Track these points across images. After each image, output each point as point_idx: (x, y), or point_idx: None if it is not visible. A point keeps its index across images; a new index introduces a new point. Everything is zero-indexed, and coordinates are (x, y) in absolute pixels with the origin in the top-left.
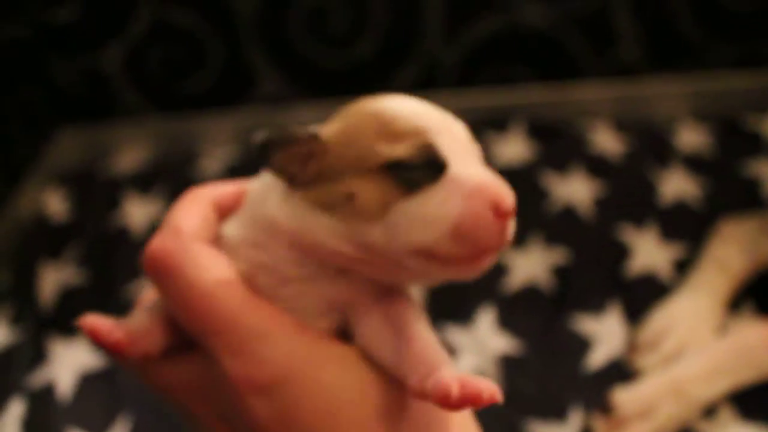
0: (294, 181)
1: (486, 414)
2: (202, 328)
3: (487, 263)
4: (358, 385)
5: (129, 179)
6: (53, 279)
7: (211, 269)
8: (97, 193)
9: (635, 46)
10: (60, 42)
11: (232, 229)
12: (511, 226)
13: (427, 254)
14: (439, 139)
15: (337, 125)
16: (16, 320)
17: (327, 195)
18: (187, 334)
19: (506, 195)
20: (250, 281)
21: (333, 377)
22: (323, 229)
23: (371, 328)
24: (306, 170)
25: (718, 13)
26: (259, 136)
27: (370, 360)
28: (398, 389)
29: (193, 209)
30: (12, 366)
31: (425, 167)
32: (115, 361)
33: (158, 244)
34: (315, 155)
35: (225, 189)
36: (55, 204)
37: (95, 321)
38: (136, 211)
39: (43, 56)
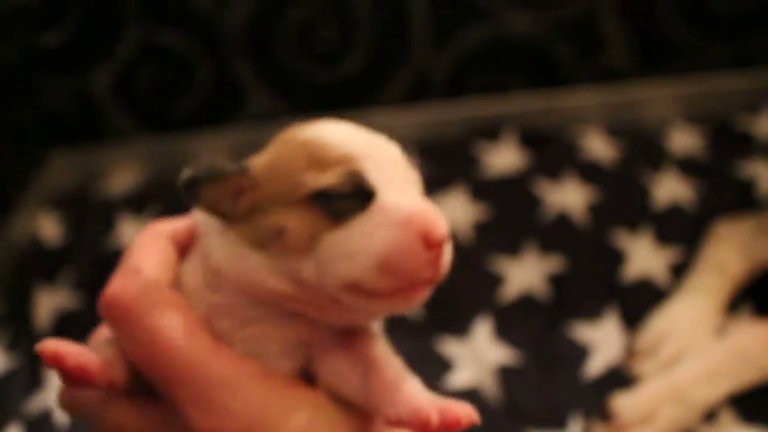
0: (227, 218)
1: (485, 425)
2: (164, 378)
3: (421, 296)
4: (329, 428)
5: (122, 201)
6: (48, 303)
7: (172, 317)
8: (90, 216)
9: (624, 50)
10: (49, 64)
11: (188, 270)
12: (446, 256)
13: (357, 289)
14: (367, 166)
15: (267, 156)
16: (12, 346)
17: (258, 231)
18: (147, 380)
19: (437, 224)
20: (211, 325)
21: (301, 424)
22: (258, 268)
23: (335, 364)
24: (237, 206)
25: (706, 14)
26: (185, 173)
27: (337, 400)
28: (369, 425)
29: (153, 248)
30: (9, 392)
31: (352, 196)
32: (67, 396)
33: (117, 288)
34: (244, 190)
35: (181, 224)
36: (49, 227)
37: (59, 345)
38: (131, 233)
39: (32, 79)
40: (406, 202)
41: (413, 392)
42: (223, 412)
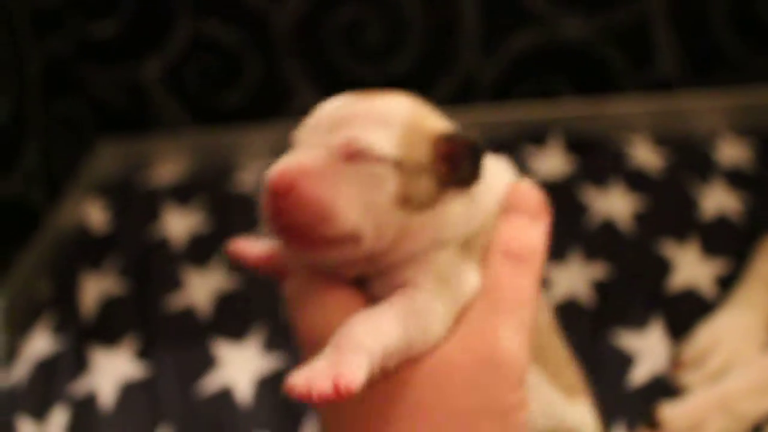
0: None
1: None
2: None
3: (293, 246)
4: None
5: (168, 191)
6: (94, 289)
7: None
8: (136, 205)
9: (674, 59)
10: (100, 55)
11: None
12: (298, 204)
13: None
14: (300, 128)
15: None
16: (59, 329)
17: None
18: None
19: (274, 175)
20: None
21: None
22: None
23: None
24: None
25: (757, 26)
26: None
27: None
28: None
29: None
30: (55, 374)
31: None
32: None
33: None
34: None
35: None
36: (96, 215)
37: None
38: (175, 223)
39: (84, 69)
40: (282, 159)
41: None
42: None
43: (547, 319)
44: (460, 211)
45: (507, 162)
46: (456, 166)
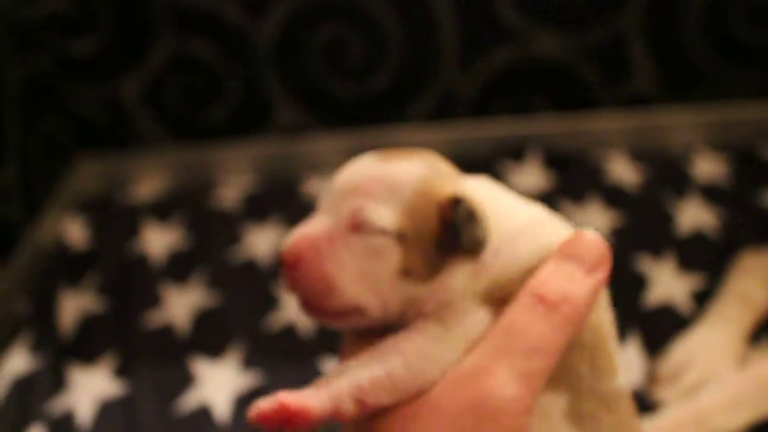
0: None
1: None
2: None
3: (313, 313)
4: None
5: (147, 207)
6: (73, 306)
7: None
8: (116, 221)
9: (650, 76)
10: (80, 72)
11: None
12: (305, 277)
13: None
14: (323, 192)
15: None
16: (36, 347)
17: None
18: None
19: (286, 246)
20: None
21: None
22: None
23: None
24: None
25: (733, 42)
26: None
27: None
28: None
29: None
30: (32, 393)
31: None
32: None
33: None
34: None
35: None
36: (75, 231)
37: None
38: (155, 239)
39: (63, 86)
40: (299, 229)
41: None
42: None
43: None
44: (465, 278)
45: (559, 216)
46: (456, 233)
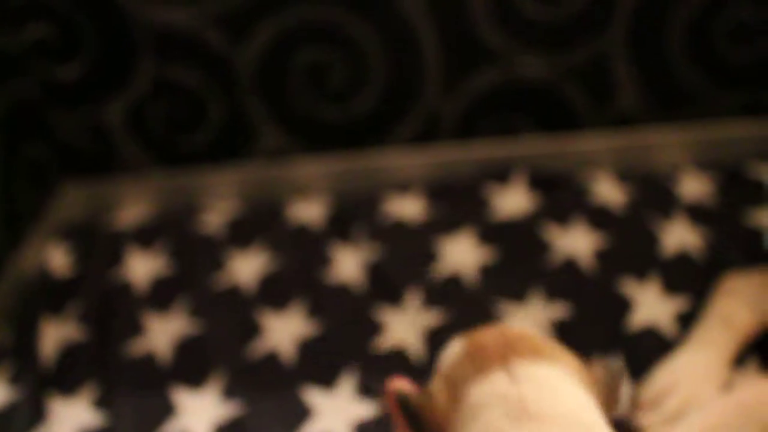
0: None
1: None
2: None
3: None
4: None
5: (131, 234)
6: (54, 335)
7: None
8: (99, 248)
9: (635, 96)
10: (64, 98)
11: None
12: None
13: None
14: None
15: None
16: (16, 379)
17: None
18: None
19: None
20: None
21: None
22: None
23: None
24: None
25: (717, 61)
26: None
27: None
28: None
29: None
30: (11, 426)
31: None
32: None
33: None
34: None
35: None
36: (58, 258)
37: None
38: (138, 266)
39: (47, 112)
40: None
41: None
42: None
43: None
44: None
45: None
46: None
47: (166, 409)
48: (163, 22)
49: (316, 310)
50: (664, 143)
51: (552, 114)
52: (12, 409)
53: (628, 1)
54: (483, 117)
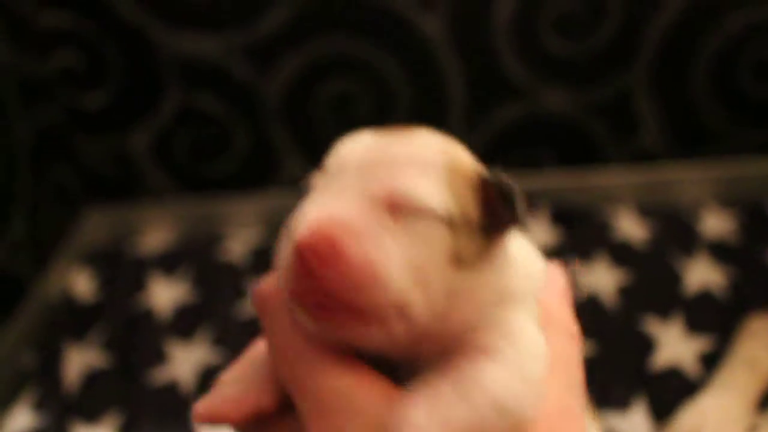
0: None
1: None
2: (290, 386)
3: (322, 318)
4: None
5: (154, 260)
6: (78, 361)
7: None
8: (122, 274)
9: (657, 132)
10: (90, 125)
11: None
12: (341, 265)
13: None
14: (323, 173)
15: None
16: (41, 404)
17: None
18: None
19: (306, 230)
20: None
21: None
22: None
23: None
24: None
25: (740, 99)
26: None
27: None
28: None
29: None
30: None
31: (300, 196)
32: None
33: (265, 281)
34: None
35: None
36: (82, 284)
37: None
38: (161, 293)
39: (73, 138)
40: (307, 208)
41: None
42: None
43: None
44: (511, 268)
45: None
46: (496, 213)
47: None
48: (190, 51)
49: None
50: (687, 179)
51: (575, 149)
52: None
53: (653, 38)
54: (506, 151)
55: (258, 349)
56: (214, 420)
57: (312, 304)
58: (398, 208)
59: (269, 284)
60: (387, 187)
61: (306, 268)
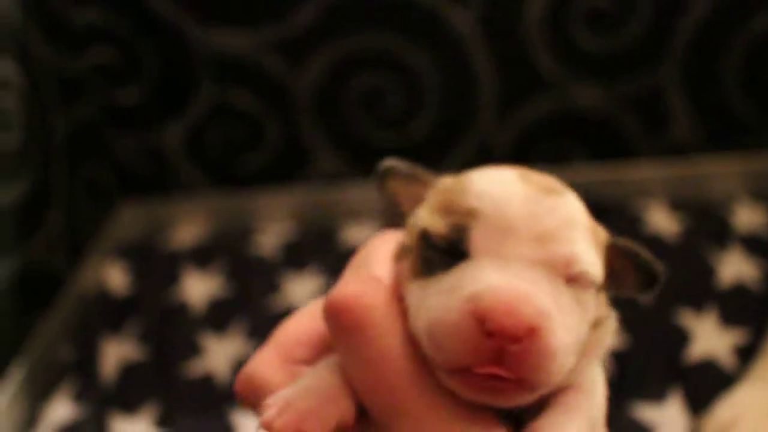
0: (401, 217)
1: None
2: (389, 406)
3: (497, 392)
4: None
5: (188, 254)
6: (114, 354)
7: (412, 339)
8: (156, 267)
9: (689, 125)
10: (124, 120)
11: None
12: (521, 352)
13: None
14: (482, 225)
15: (450, 179)
16: (79, 396)
17: (402, 244)
18: (364, 403)
19: (505, 310)
20: None
21: None
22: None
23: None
24: (413, 211)
25: None
26: (387, 161)
27: None
28: None
29: (389, 257)
30: None
31: (445, 252)
32: None
33: (354, 294)
34: (422, 200)
35: None
36: (116, 278)
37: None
38: (195, 287)
39: (107, 134)
40: (489, 277)
41: None
42: None
43: None
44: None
45: None
46: (620, 279)
47: (226, 430)
48: (223, 47)
49: None
50: (718, 173)
51: (606, 143)
52: (78, 426)
53: (684, 32)
54: (537, 145)
55: (290, 349)
56: None
57: (484, 375)
58: (573, 279)
59: (364, 294)
60: (564, 257)
61: (497, 345)
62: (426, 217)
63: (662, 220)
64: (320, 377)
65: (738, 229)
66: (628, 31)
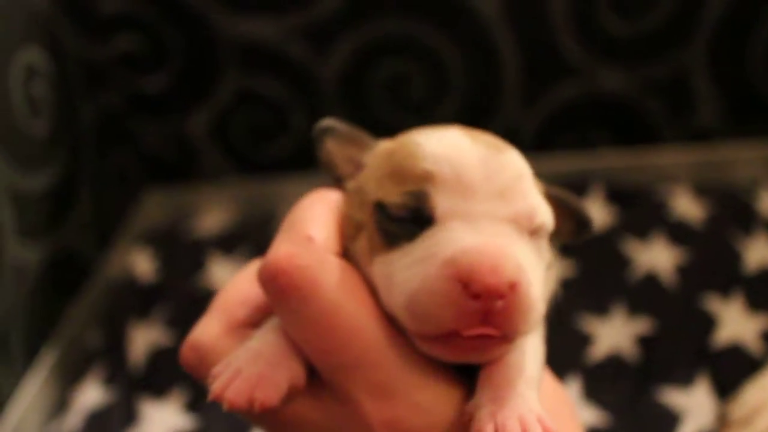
0: (339, 181)
1: None
2: (337, 362)
3: (482, 349)
4: None
5: (213, 240)
6: (143, 339)
7: (355, 292)
8: (182, 254)
9: (714, 110)
10: (150, 108)
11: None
12: (506, 308)
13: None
14: (442, 189)
15: (389, 145)
16: (109, 380)
17: (350, 219)
18: (312, 363)
19: (488, 268)
20: None
21: None
22: (355, 257)
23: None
24: (347, 175)
25: None
26: (324, 121)
27: None
28: None
29: (324, 217)
30: (106, 426)
31: (408, 221)
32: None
33: (286, 256)
34: (358, 164)
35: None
36: (143, 264)
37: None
38: (220, 273)
39: (133, 121)
40: (463, 238)
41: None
42: (408, 404)
43: None
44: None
45: None
46: (558, 227)
47: None
48: (248, 34)
49: None
50: (744, 158)
51: (631, 128)
52: (108, 410)
53: (710, 16)
54: (561, 130)
55: (232, 313)
56: (252, 406)
57: (473, 335)
58: (534, 231)
59: (296, 255)
60: (526, 212)
61: (483, 305)
62: (376, 188)
63: (687, 206)
64: (266, 341)
65: (763, 213)
66: (654, 14)
